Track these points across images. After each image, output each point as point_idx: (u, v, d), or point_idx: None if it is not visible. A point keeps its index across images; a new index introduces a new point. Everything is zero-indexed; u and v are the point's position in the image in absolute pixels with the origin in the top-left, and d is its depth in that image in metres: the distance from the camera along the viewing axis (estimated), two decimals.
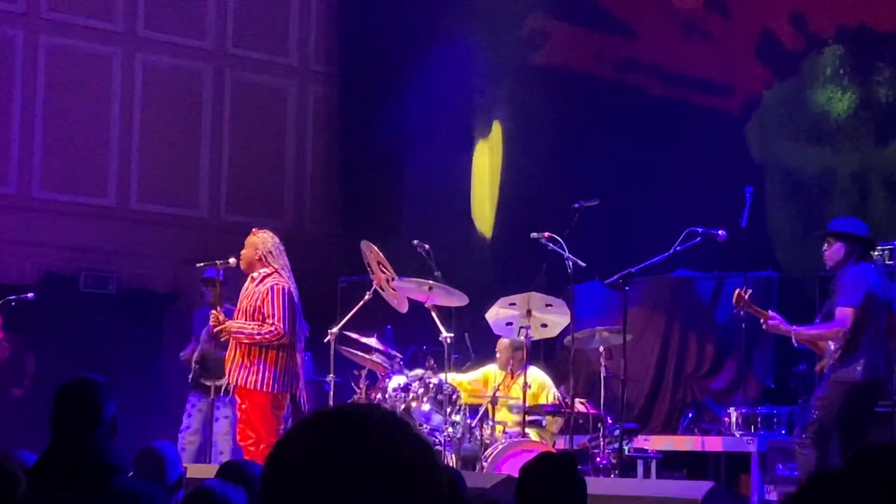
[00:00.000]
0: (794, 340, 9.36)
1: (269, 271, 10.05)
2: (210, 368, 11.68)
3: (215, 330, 10.26)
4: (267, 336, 9.88)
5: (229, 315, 10.86)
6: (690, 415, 12.76)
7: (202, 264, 10.91)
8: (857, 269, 9.12)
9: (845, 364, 9.05)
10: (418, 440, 2.05)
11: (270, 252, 10.11)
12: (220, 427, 11.69)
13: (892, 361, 9.67)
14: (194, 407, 12.09)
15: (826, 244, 9.27)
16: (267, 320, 9.89)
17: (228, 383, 10.17)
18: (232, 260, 10.42)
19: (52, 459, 4.16)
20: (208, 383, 11.70)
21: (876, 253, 10.34)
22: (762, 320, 9.42)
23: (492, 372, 11.53)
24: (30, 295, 12.54)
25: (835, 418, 9.07)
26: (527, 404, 10.48)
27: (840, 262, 9.19)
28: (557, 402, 11.04)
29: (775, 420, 11.45)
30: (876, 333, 9.13)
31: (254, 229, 10.38)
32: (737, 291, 9.42)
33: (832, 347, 9.16)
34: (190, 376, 11.97)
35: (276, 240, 10.23)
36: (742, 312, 9.66)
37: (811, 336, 9.38)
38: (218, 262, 10.59)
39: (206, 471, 7.86)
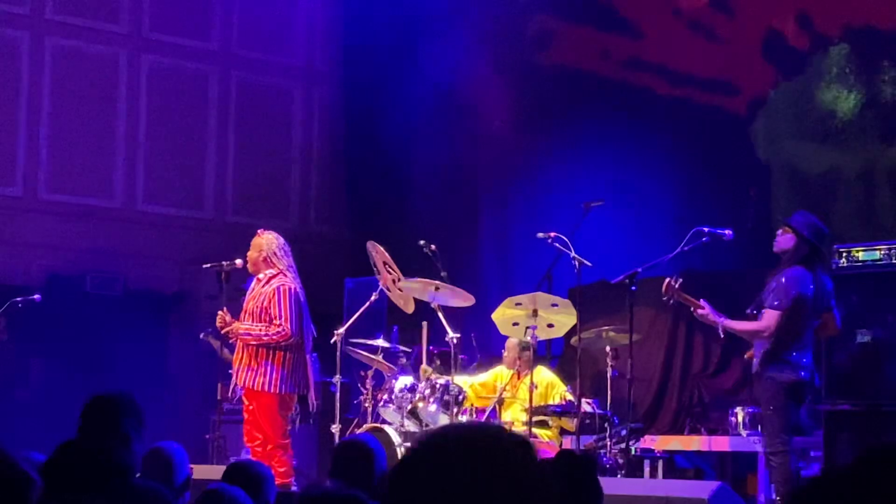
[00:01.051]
0: (720, 331, 9.53)
1: (274, 272, 10.05)
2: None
3: (223, 331, 10.26)
4: (275, 337, 9.88)
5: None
6: (697, 414, 12.76)
7: (209, 265, 10.92)
8: (795, 272, 9.29)
9: (769, 365, 9.29)
10: (540, 464, 2.15)
11: (275, 253, 10.11)
12: None
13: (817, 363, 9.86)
14: None
15: (781, 230, 9.46)
16: (274, 321, 9.89)
17: (235, 384, 10.17)
18: (238, 261, 10.43)
19: (61, 459, 4.17)
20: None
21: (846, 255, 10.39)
22: (693, 309, 9.59)
23: (500, 372, 11.53)
24: (36, 297, 12.55)
25: (782, 418, 9.29)
26: (534, 404, 10.47)
27: (786, 253, 9.39)
28: (564, 402, 11.03)
29: None
30: (801, 337, 9.36)
31: (259, 231, 10.39)
32: (666, 280, 9.55)
33: (759, 345, 9.39)
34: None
35: (282, 240, 10.23)
36: (672, 302, 9.71)
37: (736, 331, 9.60)
38: (224, 263, 10.60)
39: (213, 472, 7.87)
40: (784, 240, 9.44)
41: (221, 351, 11.96)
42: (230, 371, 10.60)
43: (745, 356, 9.88)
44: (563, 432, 11.15)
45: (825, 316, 9.56)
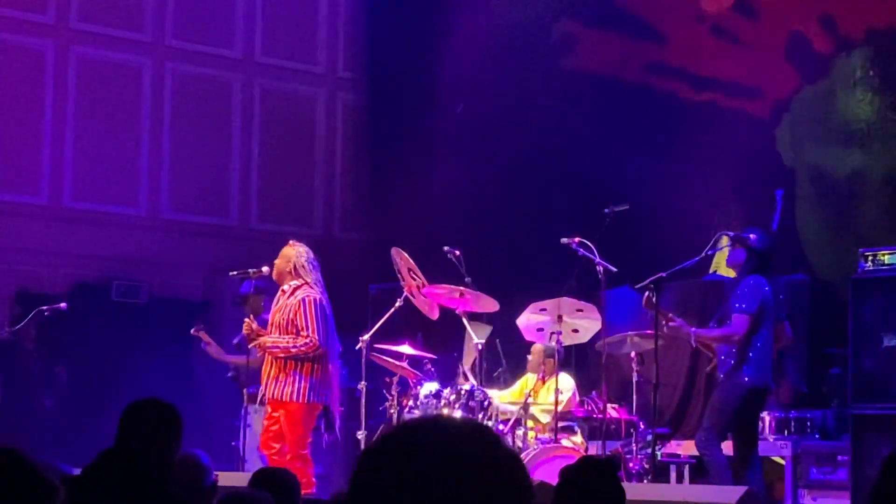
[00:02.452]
0: (692, 341, 9.81)
1: (299, 283, 10.05)
2: (243, 377, 11.66)
3: (251, 345, 10.26)
4: (303, 349, 9.89)
5: (261, 325, 10.93)
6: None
7: (235, 273, 10.93)
8: (754, 279, 9.61)
9: (738, 369, 9.54)
10: (508, 451, 2.06)
11: (304, 265, 10.11)
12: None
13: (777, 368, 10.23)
14: (250, 415, 11.90)
15: (732, 246, 9.82)
16: (301, 332, 9.89)
17: (263, 395, 10.18)
18: (265, 269, 10.44)
19: (97, 466, 4.19)
20: (251, 391, 11.63)
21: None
22: (665, 322, 9.84)
23: (527, 379, 11.55)
24: (62, 305, 12.58)
25: (729, 420, 9.63)
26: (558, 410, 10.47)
27: (738, 267, 9.78)
28: (573, 407, 11.06)
29: (809, 424, 11.40)
30: (766, 342, 9.66)
31: (291, 241, 10.38)
32: (646, 294, 9.77)
33: (724, 352, 9.66)
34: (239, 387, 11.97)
35: (312, 254, 10.22)
36: (650, 314, 10.01)
37: (709, 339, 9.86)
38: (251, 270, 10.61)
39: (238, 478, 7.87)
40: (735, 254, 9.76)
41: (210, 346, 11.92)
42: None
43: (708, 370, 10.07)
44: (590, 437, 11.14)
45: (777, 327, 9.85)
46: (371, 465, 2.06)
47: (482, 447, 2.04)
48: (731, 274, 12.08)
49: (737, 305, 9.57)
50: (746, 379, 9.55)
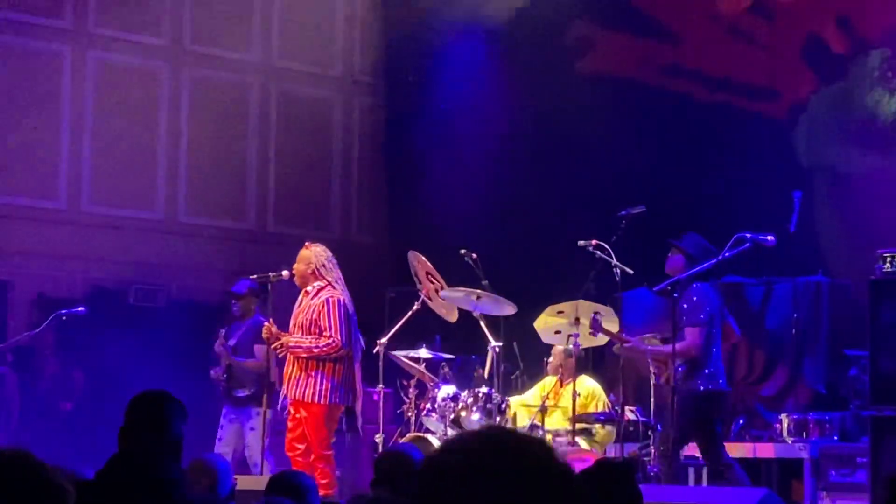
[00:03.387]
0: (649, 359, 9.87)
1: (322, 284, 10.06)
2: (236, 378, 11.62)
3: (272, 347, 10.24)
4: (325, 349, 9.88)
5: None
6: (741, 421, 12.69)
7: (255, 277, 10.93)
8: (699, 288, 9.70)
9: (692, 377, 9.61)
10: (558, 459, 2.20)
11: (324, 265, 10.12)
12: (254, 441, 11.52)
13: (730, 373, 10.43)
14: (226, 418, 11.87)
15: (671, 252, 9.88)
16: (324, 333, 9.89)
17: (285, 396, 10.17)
18: (285, 272, 10.43)
19: (112, 471, 4.20)
20: (236, 394, 11.61)
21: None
22: (618, 345, 10.04)
23: (546, 382, 11.54)
24: (80, 309, 12.60)
25: (691, 428, 9.69)
26: (576, 413, 10.46)
27: (676, 272, 9.78)
28: (607, 410, 11.02)
29: (827, 426, 11.37)
30: (718, 346, 9.78)
31: (307, 243, 10.39)
32: (592, 316, 10.01)
33: (677, 362, 9.65)
34: (222, 388, 11.83)
35: (329, 253, 10.23)
36: (596, 335, 10.21)
37: (665, 354, 9.82)
38: (271, 274, 10.60)
39: (256, 482, 7.88)
40: (674, 260, 9.80)
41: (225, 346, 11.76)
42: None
43: (662, 381, 10.00)
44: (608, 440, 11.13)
45: (724, 326, 9.96)
46: (437, 474, 2.17)
47: (543, 458, 2.17)
48: None
49: (686, 319, 9.61)
50: (702, 387, 9.62)
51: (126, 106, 16.36)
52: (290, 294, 10.50)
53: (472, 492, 2.09)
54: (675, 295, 9.98)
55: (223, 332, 11.87)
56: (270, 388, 11.07)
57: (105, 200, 16.20)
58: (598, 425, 10.98)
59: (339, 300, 9.95)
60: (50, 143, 15.92)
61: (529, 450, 2.16)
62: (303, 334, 9.99)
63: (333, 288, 10.03)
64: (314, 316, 9.94)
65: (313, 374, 9.94)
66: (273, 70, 17.47)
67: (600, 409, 11.13)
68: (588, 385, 11.30)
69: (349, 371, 10.06)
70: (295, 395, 9.99)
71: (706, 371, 9.60)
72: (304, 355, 9.96)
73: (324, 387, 9.92)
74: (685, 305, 9.59)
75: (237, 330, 11.84)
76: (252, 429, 11.45)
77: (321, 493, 9.27)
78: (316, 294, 10.03)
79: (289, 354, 10.09)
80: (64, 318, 12.55)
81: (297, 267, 10.20)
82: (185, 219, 16.73)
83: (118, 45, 16.37)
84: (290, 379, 10.04)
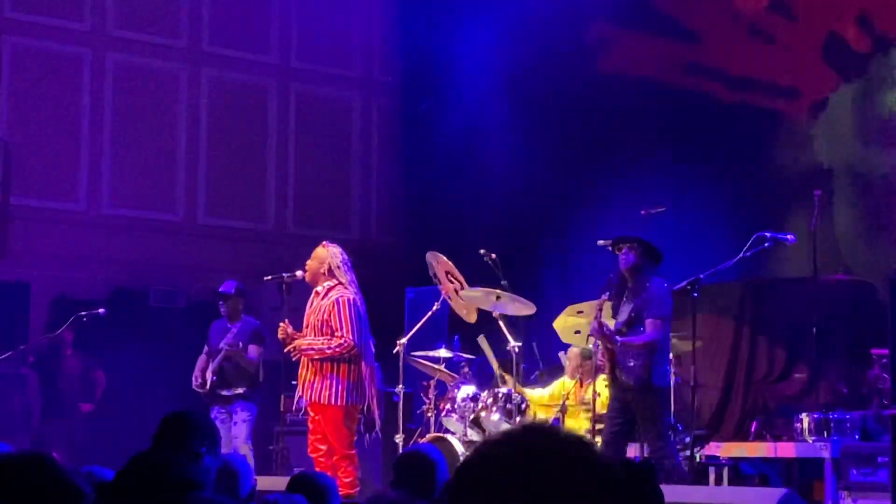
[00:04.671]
0: (616, 348, 9.64)
1: (332, 284, 10.01)
2: (226, 379, 11.57)
3: (286, 347, 10.20)
4: (337, 349, 9.84)
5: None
6: (762, 421, 12.66)
7: (270, 277, 10.92)
8: (659, 283, 9.56)
9: (648, 374, 9.44)
10: (605, 464, 2.16)
11: (338, 266, 10.06)
12: (240, 431, 11.50)
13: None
14: (217, 420, 11.76)
15: (626, 248, 9.62)
16: (336, 333, 9.86)
17: (300, 397, 10.13)
18: (299, 273, 10.42)
19: (131, 472, 4.19)
20: (225, 393, 11.56)
21: None
22: (609, 345, 9.71)
23: (564, 382, 11.52)
24: (101, 310, 12.63)
25: (644, 421, 9.48)
26: (597, 413, 10.44)
27: (633, 268, 9.56)
28: None
29: (848, 425, 11.31)
30: (668, 343, 9.79)
31: (324, 242, 10.35)
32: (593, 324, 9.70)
33: (631, 356, 9.47)
34: (207, 388, 11.66)
35: (345, 256, 10.17)
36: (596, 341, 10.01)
37: (635, 346, 9.57)
38: (286, 275, 10.60)
39: (277, 483, 7.88)
40: (628, 257, 9.58)
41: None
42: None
43: (606, 373, 9.81)
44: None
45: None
46: (475, 470, 2.13)
47: (584, 451, 2.14)
48: None
49: (650, 311, 9.45)
50: (659, 382, 9.54)
51: (145, 108, 16.41)
52: (305, 294, 10.47)
53: (513, 495, 2.07)
54: (696, 295, 9.97)
55: (211, 332, 11.87)
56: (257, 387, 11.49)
57: (125, 202, 16.25)
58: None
59: (349, 299, 9.90)
60: (70, 146, 15.97)
61: (572, 450, 2.14)
62: (314, 335, 9.96)
63: (344, 288, 9.97)
64: (325, 316, 9.90)
65: (328, 376, 9.91)
66: (292, 71, 17.50)
67: None
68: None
69: (362, 371, 10.02)
70: (311, 398, 9.94)
71: (662, 367, 9.53)
72: (317, 357, 9.91)
73: (339, 388, 9.88)
74: (647, 298, 9.43)
75: (224, 331, 11.78)
76: (244, 422, 11.42)
77: (344, 492, 9.28)
78: (326, 294, 9.99)
79: (302, 357, 10.05)
80: (84, 319, 12.59)
81: (310, 264, 10.14)
82: (205, 220, 16.76)
83: (137, 48, 16.42)
84: (304, 382, 10.01)
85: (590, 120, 15.50)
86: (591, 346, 10.66)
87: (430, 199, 16.76)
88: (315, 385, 9.93)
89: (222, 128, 16.89)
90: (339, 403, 9.88)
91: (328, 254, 10.13)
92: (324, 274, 10.05)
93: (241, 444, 11.34)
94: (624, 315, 9.51)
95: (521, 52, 16.12)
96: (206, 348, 11.89)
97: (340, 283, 10.00)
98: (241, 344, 11.54)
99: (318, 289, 10.06)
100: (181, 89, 16.75)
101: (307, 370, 10.00)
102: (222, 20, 16.97)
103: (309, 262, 10.18)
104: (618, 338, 9.48)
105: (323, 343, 9.88)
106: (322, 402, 9.90)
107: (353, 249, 10.63)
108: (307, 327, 10.06)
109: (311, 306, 10.11)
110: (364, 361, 10.03)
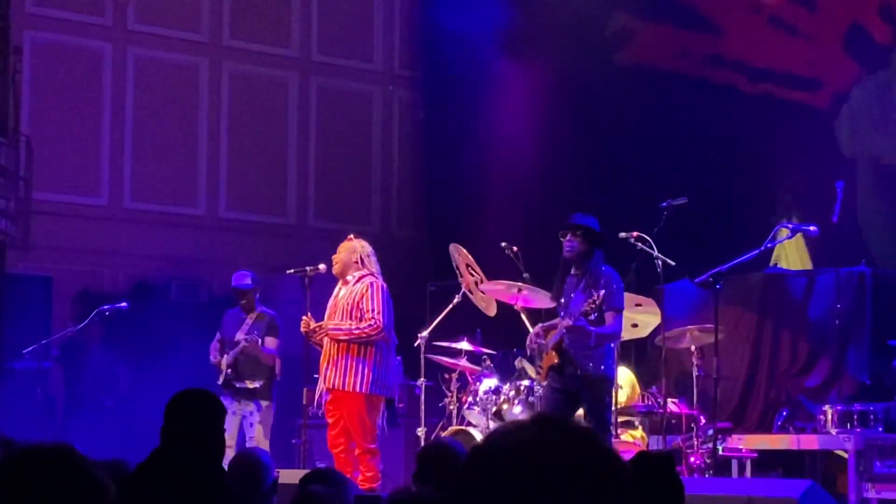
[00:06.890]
0: (592, 341, 9.37)
1: (364, 272, 10.01)
2: (242, 370, 11.53)
3: (313, 339, 10.16)
4: (366, 330, 9.76)
5: (237, 322, 10.97)
6: (785, 413, 12.61)
7: (292, 271, 10.90)
8: (614, 273, 9.36)
9: (599, 364, 9.24)
10: (610, 450, 2.17)
11: (369, 256, 10.10)
12: (254, 432, 11.43)
13: None
14: (228, 410, 11.64)
15: (570, 235, 9.39)
16: (366, 315, 9.80)
17: (321, 393, 10.05)
18: (322, 266, 10.40)
19: (153, 466, 4.20)
20: (240, 385, 11.51)
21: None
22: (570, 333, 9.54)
23: None
24: (123, 304, 12.65)
25: (592, 411, 9.25)
26: (618, 405, 10.42)
27: (580, 255, 9.33)
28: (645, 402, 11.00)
29: (872, 417, 11.27)
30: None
31: (350, 235, 10.36)
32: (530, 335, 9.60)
33: (583, 346, 9.21)
34: (221, 378, 11.61)
35: (371, 249, 10.21)
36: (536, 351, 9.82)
37: (605, 336, 9.32)
38: (308, 268, 10.58)
39: (299, 476, 7.88)
40: (574, 244, 9.36)
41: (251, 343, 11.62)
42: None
43: (556, 362, 9.62)
44: (651, 432, 11.08)
45: None
46: (483, 460, 2.13)
47: (592, 442, 2.15)
48: (798, 265, 11.95)
49: (610, 303, 9.21)
50: (610, 373, 9.43)
51: (166, 102, 16.44)
52: (327, 288, 10.46)
53: (519, 489, 2.06)
54: (718, 286, 9.92)
55: (223, 323, 11.86)
56: (275, 381, 11.40)
57: (146, 196, 16.28)
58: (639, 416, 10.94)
59: (382, 286, 9.91)
60: (91, 140, 16.01)
61: (581, 441, 2.13)
62: (343, 318, 9.90)
63: (375, 277, 9.99)
64: (356, 299, 9.84)
65: (354, 359, 9.81)
66: (312, 65, 17.50)
67: (636, 401, 11.10)
68: (625, 377, 11.26)
69: (388, 362, 9.97)
70: (334, 384, 9.83)
71: (610, 359, 9.42)
72: (344, 337, 9.82)
73: (365, 375, 9.77)
74: (605, 291, 9.15)
75: (239, 321, 11.73)
76: (259, 422, 11.34)
77: (365, 486, 9.26)
78: (359, 280, 9.96)
79: (326, 341, 9.95)
80: (107, 313, 12.60)
81: (340, 256, 10.12)
82: (226, 214, 16.79)
83: (158, 42, 16.45)
84: (329, 362, 9.91)
85: (611, 112, 15.46)
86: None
87: (451, 192, 16.74)
88: (339, 367, 9.81)
89: (243, 122, 16.91)
90: (363, 390, 9.78)
91: (358, 244, 10.15)
92: (355, 263, 10.04)
93: (259, 441, 11.24)
94: (582, 304, 9.25)
95: (542, 46, 16.09)
96: (217, 335, 11.86)
97: (371, 272, 10.01)
98: (257, 336, 11.48)
99: (349, 277, 10.02)
100: (202, 84, 16.77)
101: (331, 351, 9.89)
102: (243, 14, 16.99)
103: (337, 255, 10.16)
104: (592, 329, 9.26)
105: (351, 324, 9.81)
106: (346, 388, 9.80)
107: (374, 243, 10.61)
108: (336, 312, 9.98)
109: (336, 296, 10.07)
110: (391, 353, 10.00)
